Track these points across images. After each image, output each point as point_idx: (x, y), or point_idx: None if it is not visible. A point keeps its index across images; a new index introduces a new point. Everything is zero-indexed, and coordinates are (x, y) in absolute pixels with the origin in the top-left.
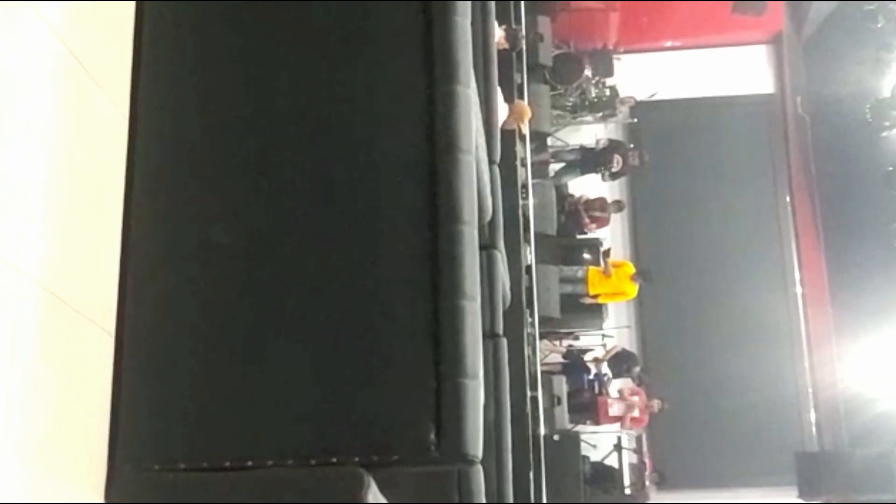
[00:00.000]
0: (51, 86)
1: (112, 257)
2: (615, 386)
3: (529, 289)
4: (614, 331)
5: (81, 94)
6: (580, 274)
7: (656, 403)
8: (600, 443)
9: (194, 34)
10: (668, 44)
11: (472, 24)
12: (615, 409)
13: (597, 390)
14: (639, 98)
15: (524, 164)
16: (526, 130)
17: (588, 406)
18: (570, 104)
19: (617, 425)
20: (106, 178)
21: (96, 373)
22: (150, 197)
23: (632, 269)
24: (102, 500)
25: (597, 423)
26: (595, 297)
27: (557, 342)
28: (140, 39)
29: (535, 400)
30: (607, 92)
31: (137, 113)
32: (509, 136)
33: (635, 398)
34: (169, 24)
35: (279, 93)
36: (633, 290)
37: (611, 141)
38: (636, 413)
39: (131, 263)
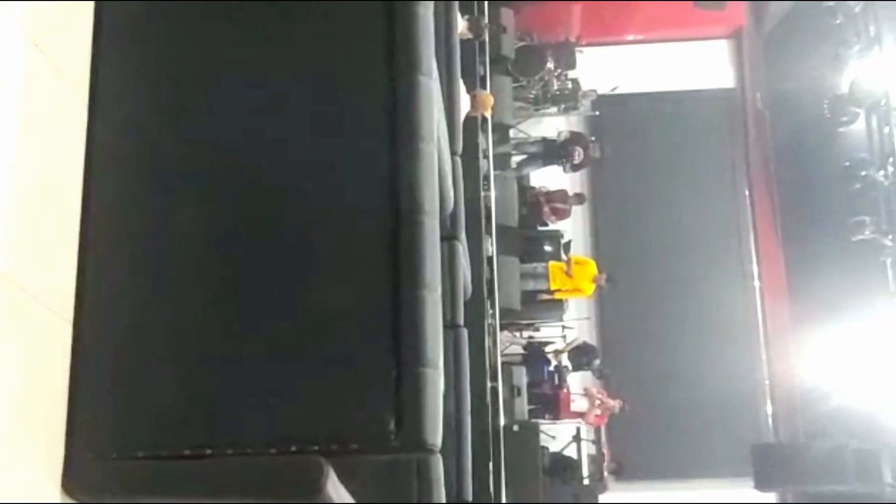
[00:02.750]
0: (5, 70)
1: (71, 244)
2: (574, 378)
3: (490, 280)
4: (574, 322)
5: (38, 79)
6: (540, 269)
7: (617, 405)
8: (559, 434)
9: (155, 17)
10: (630, 37)
11: (435, 13)
12: (578, 404)
13: (556, 382)
14: (601, 91)
15: (486, 156)
16: (489, 116)
17: (548, 399)
18: (532, 96)
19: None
20: (64, 164)
21: (55, 361)
22: (110, 184)
23: (594, 269)
24: (60, 488)
25: (557, 417)
26: (553, 292)
27: (518, 333)
28: (99, 22)
29: (494, 391)
30: (569, 84)
31: (96, 98)
32: (471, 128)
33: (600, 398)
34: (129, 7)
35: (239, 81)
36: (589, 288)
37: (572, 133)
38: (598, 412)
39: (90, 251)
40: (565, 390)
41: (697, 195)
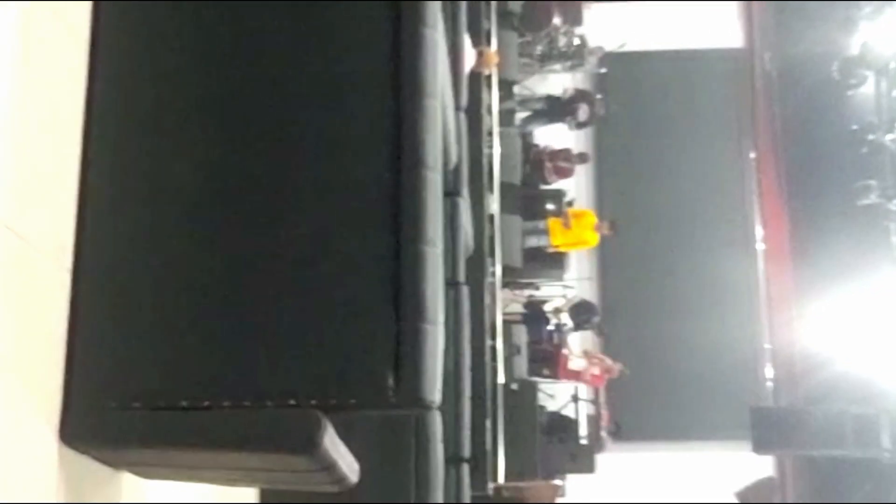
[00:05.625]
0: (2, 16)
1: (70, 192)
2: (575, 337)
3: (492, 238)
4: (575, 282)
5: (36, 25)
6: (542, 226)
7: (617, 368)
8: (558, 393)
9: None
10: None
11: None
12: (575, 363)
13: (556, 341)
14: (608, 48)
15: (490, 112)
16: (494, 76)
17: (548, 357)
18: (538, 52)
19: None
20: (64, 111)
21: (52, 310)
22: (110, 131)
23: (593, 219)
24: (57, 437)
25: (556, 376)
26: (557, 247)
27: (518, 292)
28: None
29: (494, 349)
30: (576, 41)
31: (97, 45)
32: (476, 84)
33: (597, 359)
34: None
35: (243, 34)
36: (594, 238)
37: (578, 90)
38: (596, 371)
39: (89, 199)
40: (564, 351)
41: (703, 156)
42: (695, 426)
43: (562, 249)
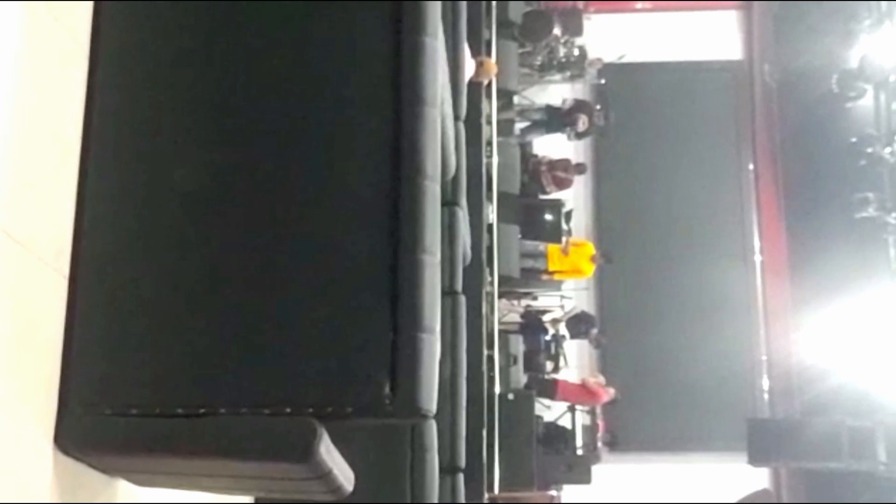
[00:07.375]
0: (4, 20)
1: (69, 198)
2: (571, 346)
3: (490, 247)
4: (573, 292)
5: (37, 29)
6: (541, 248)
7: (612, 391)
8: (554, 403)
9: None
10: (639, 5)
11: None
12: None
13: (553, 351)
14: (607, 59)
15: (489, 122)
16: (493, 86)
17: (543, 368)
18: (538, 63)
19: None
20: (64, 116)
21: (49, 315)
22: (110, 137)
23: (591, 250)
24: (52, 443)
25: (553, 398)
26: (552, 273)
27: (516, 302)
28: None
29: (491, 359)
30: (576, 52)
31: (97, 47)
32: (475, 93)
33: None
34: None
35: (243, 41)
36: (589, 269)
37: (577, 101)
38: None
39: (88, 205)
40: (561, 380)
41: (702, 167)
42: (691, 437)
43: (556, 278)
